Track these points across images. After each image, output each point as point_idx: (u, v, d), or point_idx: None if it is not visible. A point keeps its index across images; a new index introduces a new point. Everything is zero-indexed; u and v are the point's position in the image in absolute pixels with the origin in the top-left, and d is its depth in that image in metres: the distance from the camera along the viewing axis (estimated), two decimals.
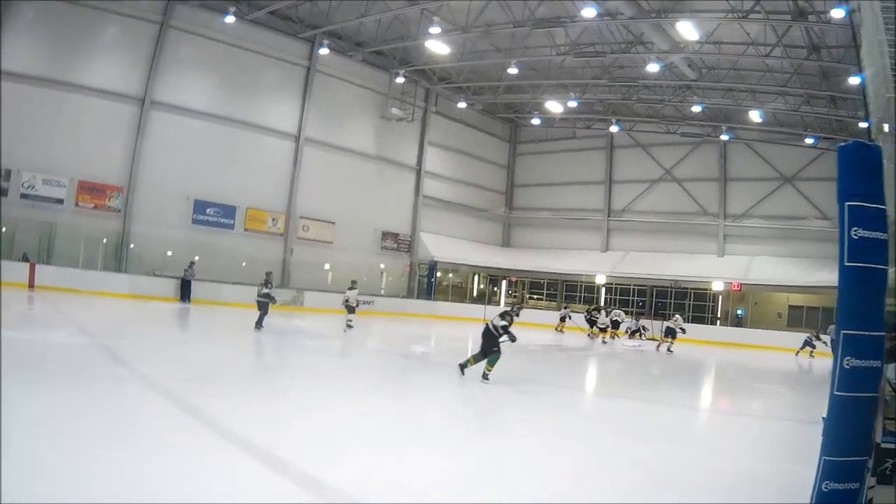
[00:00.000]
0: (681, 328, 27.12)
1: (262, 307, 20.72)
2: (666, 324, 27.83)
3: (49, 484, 5.52)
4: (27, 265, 23.60)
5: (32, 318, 17.40)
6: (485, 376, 13.92)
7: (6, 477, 5.18)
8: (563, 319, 33.97)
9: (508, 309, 14.92)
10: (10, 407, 7.44)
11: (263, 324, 20.40)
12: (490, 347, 14.03)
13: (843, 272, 5.47)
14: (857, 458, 5.39)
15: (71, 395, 9.11)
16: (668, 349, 26.81)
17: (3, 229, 24.57)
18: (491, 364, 13.97)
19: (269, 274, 22.05)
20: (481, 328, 14.33)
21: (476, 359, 14.21)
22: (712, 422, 13.68)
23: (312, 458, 7.47)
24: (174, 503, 5.56)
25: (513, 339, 14.30)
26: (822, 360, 24.98)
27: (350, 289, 24.90)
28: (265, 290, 20.82)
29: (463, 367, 14.20)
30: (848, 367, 5.25)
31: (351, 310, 24.56)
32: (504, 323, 14.05)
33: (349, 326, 24.11)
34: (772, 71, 28.52)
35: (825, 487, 5.35)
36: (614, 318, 31.23)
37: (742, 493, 7.61)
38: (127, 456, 6.63)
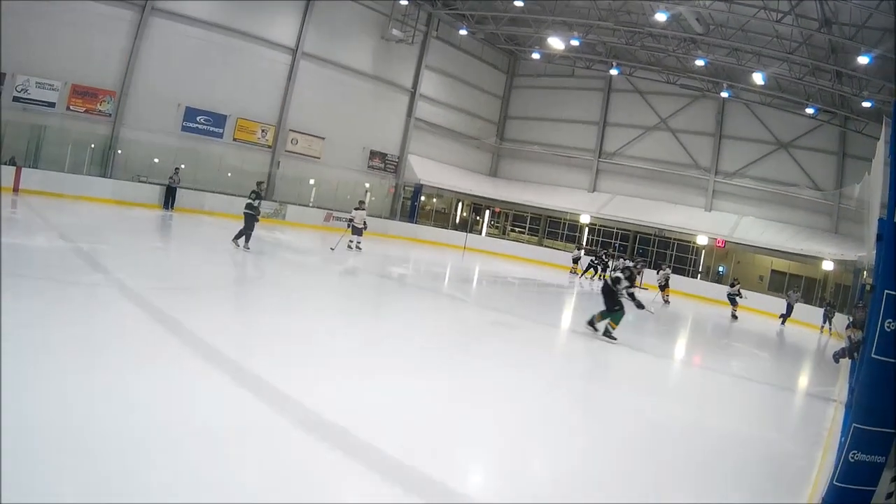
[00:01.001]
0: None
1: (249, 221, 18.81)
2: (662, 273, 28.56)
3: (12, 392, 5.50)
4: (13, 168, 22.99)
5: (13, 223, 16.95)
6: (608, 334, 13.80)
7: None
8: (576, 262, 34.01)
9: (630, 265, 14.79)
10: None
11: (249, 244, 18.67)
12: (612, 305, 13.85)
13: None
14: (885, 430, 5.21)
15: (44, 301, 9.06)
16: (665, 300, 27.29)
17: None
18: (615, 321, 13.81)
19: (259, 184, 20.38)
20: (599, 286, 14.37)
21: (602, 315, 13.99)
22: (693, 376, 13.80)
23: (284, 375, 7.60)
24: (137, 415, 5.65)
25: (639, 305, 14.27)
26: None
27: (357, 209, 24.53)
28: (255, 203, 18.98)
29: (591, 323, 14.13)
30: (889, 329, 5.04)
31: (358, 231, 24.42)
32: (626, 284, 13.88)
33: (357, 248, 24.09)
34: (780, 37, 28.15)
35: (852, 458, 5.21)
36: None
37: (730, 455, 7.84)
38: (96, 367, 6.70)
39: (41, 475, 4.33)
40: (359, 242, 24.36)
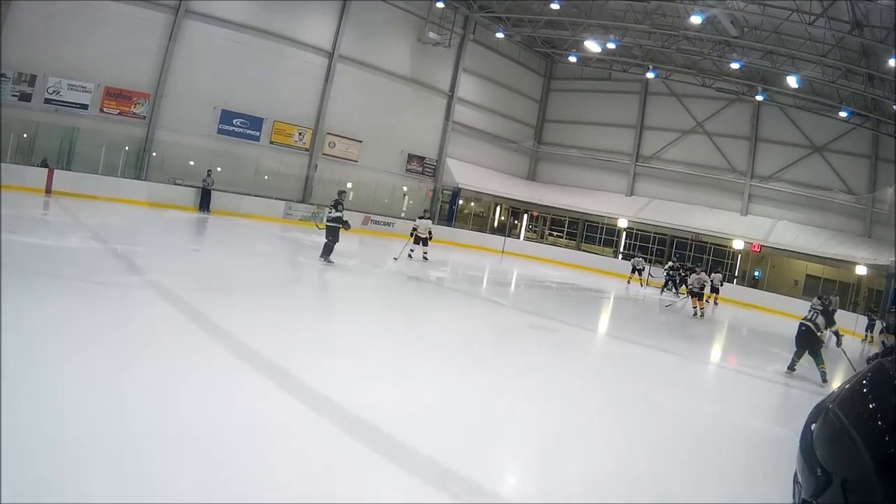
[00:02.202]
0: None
1: (332, 233, 17.95)
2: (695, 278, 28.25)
3: (49, 391, 5.62)
4: (45, 170, 23.29)
5: (45, 223, 17.19)
6: (825, 378, 13.03)
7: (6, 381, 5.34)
8: (639, 271, 32.90)
9: (827, 306, 13.67)
10: (15, 312, 7.52)
11: (332, 258, 17.95)
12: (814, 349, 13.24)
13: None
14: None
15: (79, 300, 9.13)
16: (697, 312, 27.29)
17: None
18: (822, 361, 13.21)
19: (341, 193, 19.03)
20: (796, 326, 13.54)
21: (798, 356, 13.49)
22: (729, 379, 13.59)
23: (322, 376, 7.61)
24: (172, 414, 5.67)
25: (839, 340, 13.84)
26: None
27: (421, 217, 23.83)
28: (335, 213, 17.97)
29: (791, 368, 13.54)
30: None
31: (422, 241, 23.60)
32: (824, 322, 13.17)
33: (424, 258, 23.43)
34: (813, 40, 27.89)
35: None
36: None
37: (764, 458, 7.72)
38: (131, 366, 6.70)
39: (72, 473, 4.35)
40: (425, 253, 23.65)
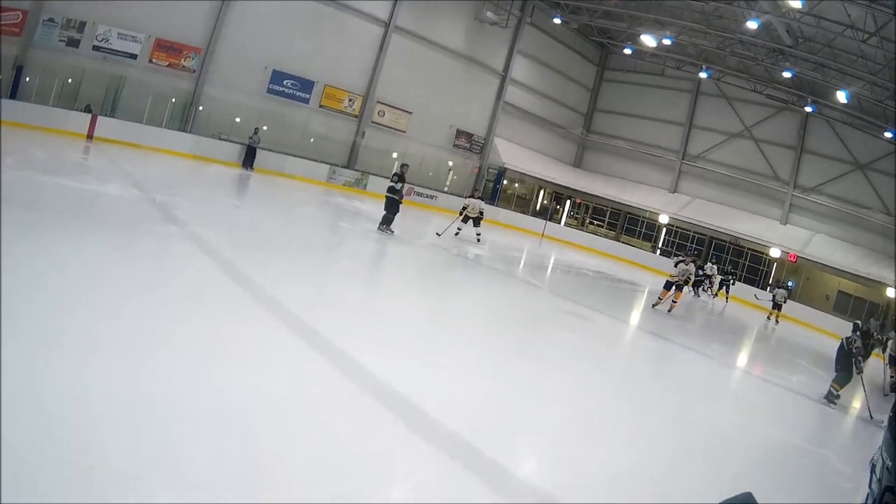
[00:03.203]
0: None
1: (391, 206, 18.22)
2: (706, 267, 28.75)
3: (81, 336, 5.65)
4: (88, 116, 23.31)
5: (86, 168, 17.16)
6: (830, 397, 12.52)
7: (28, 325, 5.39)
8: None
9: (867, 329, 13.10)
10: (52, 256, 7.63)
11: (393, 228, 18.27)
12: (845, 367, 12.62)
13: None
14: None
15: (116, 247, 9.17)
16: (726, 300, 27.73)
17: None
18: (840, 384, 12.56)
19: (403, 167, 19.22)
20: (836, 346, 13.02)
21: (839, 381, 12.62)
22: (755, 387, 13.28)
23: (354, 343, 7.67)
24: (201, 369, 5.70)
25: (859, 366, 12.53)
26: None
27: (471, 196, 22.98)
28: (398, 186, 18.13)
29: (833, 396, 12.59)
30: None
31: (474, 220, 22.79)
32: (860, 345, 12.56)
33: (477, 239, 22.59)
34: (865, 58, 27.67)
35: None
36: (708, 273, 29.03)
37: (780, 467, 7.76)
38: (164, 318, 6.72)
39: (92, 419, 4.33)
40: (478, 234, 22.83)
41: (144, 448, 4.21)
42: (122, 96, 25.93)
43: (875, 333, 13.66)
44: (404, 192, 18.53)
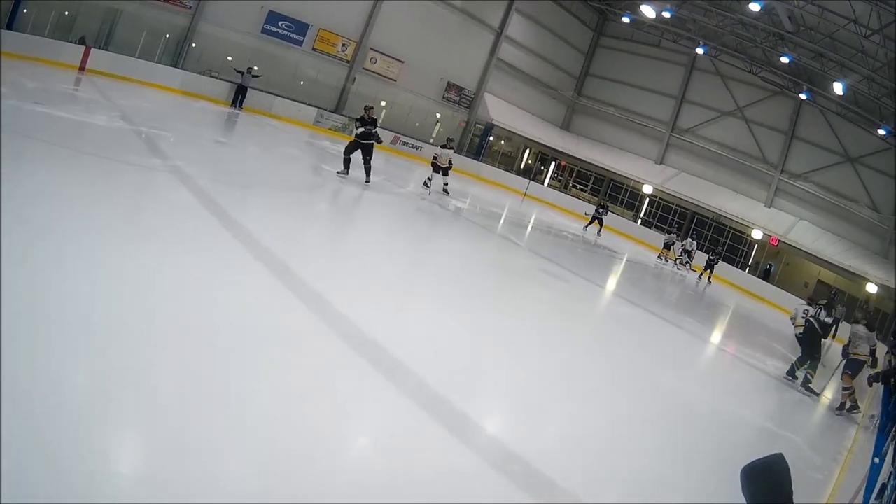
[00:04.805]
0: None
1: (441, 170, 20.31)
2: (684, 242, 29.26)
3: (55, 262, 5.63)
4: (82, 48, 23.01)
5: (75, 99, 16.96)
6: (808, 385, 12.28)
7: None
8: (668, 247, 30.89)
9: (828, 302, 12.94)
10: (36, 185, 7.65)
11: (429, 185, 20.17)
12: (813, 352, 12.52)
13: None
14: None
15: (99, 177, 9.30)
16: (709, 280, 28.14)
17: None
18: (813, 369, 12.38)
19: (450, 140, 21.36)
20: (804, 325, 12.87)
21: (800, 362, 12.63)
22: (723, 362, 13.35)
23: (328, 285, 7.74)
24: (174, 298, 5.80)
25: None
26: None
27: (444, 146, 21.77)
28: (447, 155, 20.26)
29: (791, 374, 12.68)
30: None
31: (442, 171, 21.45)
32: (829, 321, 12.56)
33: (444, 190, 21.45)
34: (865, 53, 27.72)
35: None
36: (688, 248, 29.56)
37: (747, 448, 7.55)
38: (141, 247, 6.82)
39: (57, 348, 4.26)
40: (445, 184, 21.58)
41: (114, 369, 4.34)
42: (116, 30, 25.56)
43: (833, 312, 13.90)
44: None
